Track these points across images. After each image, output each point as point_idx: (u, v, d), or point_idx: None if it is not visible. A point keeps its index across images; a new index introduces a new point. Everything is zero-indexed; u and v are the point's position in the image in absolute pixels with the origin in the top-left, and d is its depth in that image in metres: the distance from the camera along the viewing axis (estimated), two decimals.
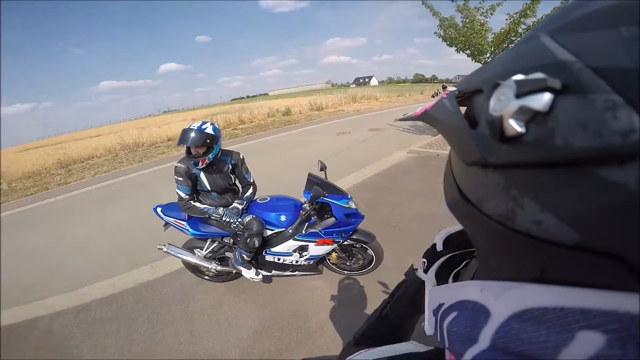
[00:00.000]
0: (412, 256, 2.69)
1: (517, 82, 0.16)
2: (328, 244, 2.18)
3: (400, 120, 0.35)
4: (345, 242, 2.26)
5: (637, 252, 0.12)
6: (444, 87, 25.55)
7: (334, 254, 2.41)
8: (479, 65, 6.09)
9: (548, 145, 0.15)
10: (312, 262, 2.30)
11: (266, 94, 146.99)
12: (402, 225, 3.27)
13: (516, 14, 5.53)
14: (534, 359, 0.16)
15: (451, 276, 0.43)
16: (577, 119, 0.14)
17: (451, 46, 6.30)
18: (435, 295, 0.32)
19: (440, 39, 6.34)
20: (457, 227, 0.50)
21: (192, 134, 1.95)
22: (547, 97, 0.15)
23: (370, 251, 2.30)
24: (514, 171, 0.17)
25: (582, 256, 0.15)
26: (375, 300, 2.18)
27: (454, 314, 0.25)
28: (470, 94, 0.22)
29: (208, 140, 1.97)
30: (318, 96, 23.39)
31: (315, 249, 2.20)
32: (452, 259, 0.48)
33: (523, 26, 5.54)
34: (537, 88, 0.15)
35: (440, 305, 0.28)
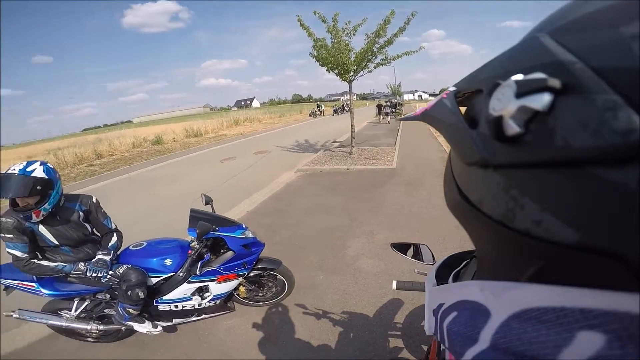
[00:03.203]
0: (321, 273, 2.77)
1: (517, 82, 0.16)
2: (232, 279, 2.08)
3: (402, 120, 0.33)
4: (252, 274, 2.18)
5: (637, 252, 0.13)
6: (318, 106, 28.45)
7: (242, 288, 2.28)
8: (346, 83, 7.08)
9: (548, 145, 0.15)
10: (218, 301, 2.14)
11: (130, 122, 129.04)
12: (304, 244, 3.32)
13: (372, 34, 6.36)
14: (534, 359, 0.16)
15: (451, 276, 0.43)
16: (577, 119, 0.14)
17: (323, 66, 6.85)
18: (436, 295, 0.32)
19: (314, 59, 6.85)
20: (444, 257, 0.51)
21: (12, 181, 1.53)
22: (547, 97, 0.15)
23: (280, 277, 2.27)
24: (514, 171, 0.17)
25: (582, 256, 0.15)
26: (300, 323, 2.16)
27: (454, 314, 0.25)
28: (470, 94, 0.22)
29: (39, 187, 1.57)
30: (195, 121, 21.97)
31: (218, 288, 2.06)
32: (452, 259, 0.48)
33: (377, 45, 6.43)
34: (537, 88, 0.15)
35: (440, 305, 0.28)
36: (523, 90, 0.15)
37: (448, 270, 0.45)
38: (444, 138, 0.23)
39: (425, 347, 1.79)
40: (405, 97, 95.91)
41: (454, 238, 3.04)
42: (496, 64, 0.20)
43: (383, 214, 3.91)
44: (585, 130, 0.13)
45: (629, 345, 0.13)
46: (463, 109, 0.22)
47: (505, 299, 0.19)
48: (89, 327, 2.01)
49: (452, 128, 0.22)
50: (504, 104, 0.16)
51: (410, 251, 0.98)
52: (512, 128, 0.16)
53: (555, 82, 0.14)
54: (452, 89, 0.23)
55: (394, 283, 0.98)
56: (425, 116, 0.26)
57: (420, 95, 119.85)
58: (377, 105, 19.55)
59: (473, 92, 0.22)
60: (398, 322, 2.07)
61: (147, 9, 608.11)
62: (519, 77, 0.16)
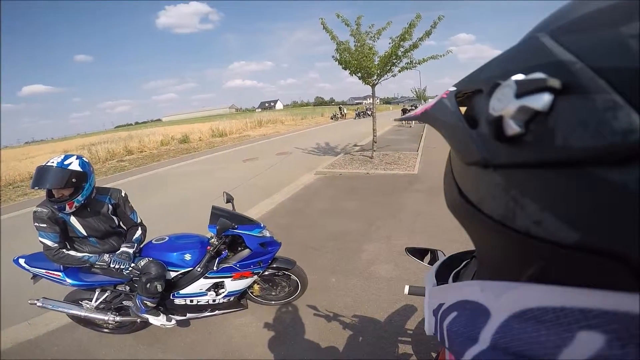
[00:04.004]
0: (334, 275, 2.76)
1: (517, 82, 0.16)
2: (247, 277, 2.09)
3: (400, 120, 0.34)
4: (267, 272, 2.19)
5: (637, 252, 0.13)
6: (340, 109, 28.50)
7: (256, 286, 2.31)
8: (369, 87, 7.03)
9: (548, 145, 0.15)
10: (232, 298, 2.16)
11: (159, 120, 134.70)
12: (319, 246, 3.33)
13: (397, 37, 6.13)
14: (534, 359, 0.16)
15: (451, 276, 0.43)
16: (577, 119, 0.14)
17: (345, 69, 6.84)
18: (436, 295, 0.32)
19: (337, 62, 6.86)
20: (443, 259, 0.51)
21: (51, 173, 1.61)
22: (547, 97, 0.15)
23: (293, 277, 2.28)
24: (514, 171, 0.17)
25: (582, 256, 0.15)
26: (310, 324, 2.17)
27: (454, 314, 0.25)
28: (470, 94, 0.22)
29: (74, 180, 1.65)
30: (221, 121, 22.64)
31: (233, 284, 2.08)
32: (452, 259, 0.48)
33: (402, 49, 6.20)
34: (537, 88, 0.15)
35: (440, 305, 0.28)
36: (523, 90, 0.15)
37: (448, 270, 0.44)
38: (444, 138, 0.23)
39: (434, 354, 1.74)
40: (431, 101, 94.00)
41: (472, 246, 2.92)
42: (496, 64, 0.20)
43: (402, 220, 3.85)
44: (585, 130, 0.13)
45: (629, 345, 0.13)
46: (463, 109, 0.22)
47: (505, 299, 0.19)
48: (106, 318, 2.05)
49: (452, 128, 0.22)
50: (504, 104, 0.16)
51: (427, 257, 0.95)
52: (512, 128, 0.16)
53: (555, 82, 0.14)
54: (452, 88, 0.23)
55: (406, 288, 0.98)
56: (425, 116, 0.26)
57: None
58: (402, 110, 22.28)
59: (473, 92, 0.22)
60: (409, 329, 2.03)
61: (179, 10, 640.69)
62: (519, 77, 0.16)
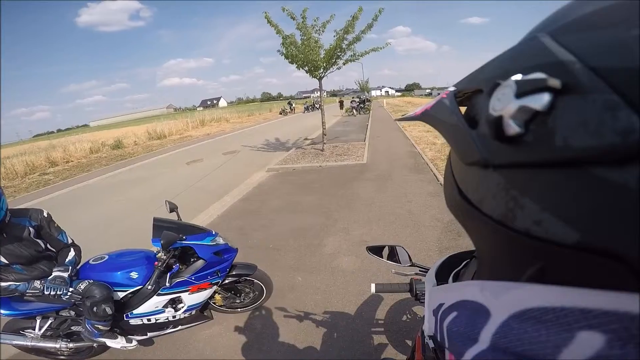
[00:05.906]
0: (299, 273, 2.72)
1: (517, 82, 0.16)
2: (205, 289, 1.99)
3: (400, 120, 0.33)
4: (226, 281, 2.10)
5: (637, 252, 0.13)
6: (289, 103, 28.32)
7: (217, 296, 2.20)
8: (316, 80, 7.04)
9: (548, 145, 0.15)
10: (194, 311, 2.05)
11: (86, 125, 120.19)
12: (279, 246, 3.26)
13: (341, 30, 6.27)
14: (534, 359, 0.16)
15: (451, 276, 0.43)
16: (577, 119, 0.14)
17: (292, 63, 6.82)
18: (436, 295, 0.32)
19: (283, 56, 6.79)
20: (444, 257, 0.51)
21: None
22: (547, 97, 0.15)
23: (257, 282, 2.22)
24: (514, 171, 0.17)
25: (582, 256, 0.15)
26: (282, 326, 2.12)
27: (454, 314, 0.25)
28: (470, 94, 0.22)
29: None
30: (159, 122, 20.90)
31: (192, 298, 1.97)
32: (452, 258, 0.48)
33: (345, 42, 6.36)
34: (537, 88, 0.15)
35: (441, 305, 0.28)
36: (523, 91, 0.15)
37: (448, 270, 0.45)
38: (444, 138, 0.23)
39: (409, 342, 1.80)
40: (373, 93, 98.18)
41: (427, 231, 3.12)
42: (496, 63, 0.20)
43: (357, 210, 3.94)
44: (585, 130, 0.13)
45: (629, 345, 0.13)
46: (463, 109, 0.22)
47: (505, 299, 0.19)
48: (57, 346, 1.91)
49: (452, 128, 0.22)
50: (504, 104, 0.16)
51: (386, 252, 0.97)
52: (512, 128, 0.16)
53: (555, 82, 0.14)
54: (452, 89, 0.23)
55: (373, 287, 0.97)
56: (425, 116, 0.26)
57: (387, 91, 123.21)
58: (339, 102, 22.93)
59: (473, 92, 0.22)
60: (380, 319, 2.08)
61: (104, 7, 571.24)
62: (519, 77, 0.16)
